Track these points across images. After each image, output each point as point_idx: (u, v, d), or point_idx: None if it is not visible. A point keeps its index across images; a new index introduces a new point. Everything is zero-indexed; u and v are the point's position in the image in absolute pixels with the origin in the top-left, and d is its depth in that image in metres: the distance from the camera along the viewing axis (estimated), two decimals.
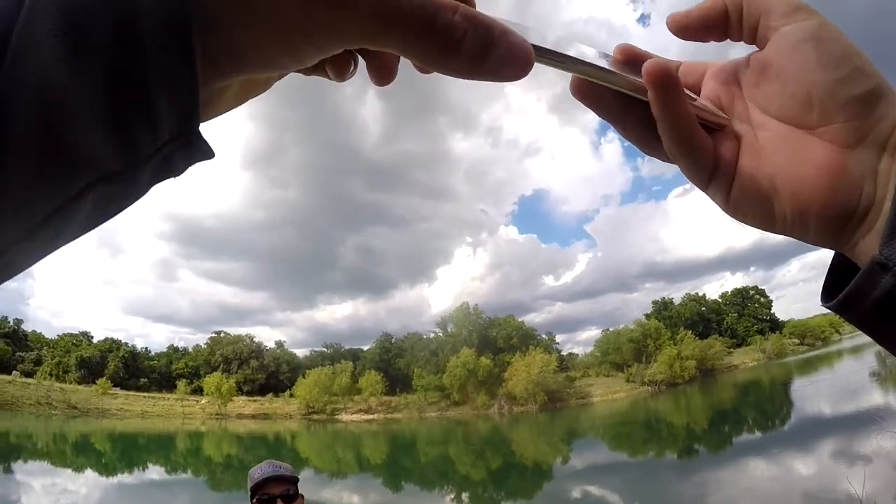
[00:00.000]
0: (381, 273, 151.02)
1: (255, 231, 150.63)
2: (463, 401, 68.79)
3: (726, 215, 0.42)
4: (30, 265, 0.32)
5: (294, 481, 2.69)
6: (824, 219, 0.39)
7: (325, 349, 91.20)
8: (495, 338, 75.46)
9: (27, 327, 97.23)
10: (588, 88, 0.43)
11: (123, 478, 25.36)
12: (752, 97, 0.44)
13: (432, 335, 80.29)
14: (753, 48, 0.43)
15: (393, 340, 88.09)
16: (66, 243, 0.32)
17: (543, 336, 79.63)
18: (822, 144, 0.39)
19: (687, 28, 0.44)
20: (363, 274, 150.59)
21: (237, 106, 0.39)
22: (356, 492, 19.30)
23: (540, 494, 18.98)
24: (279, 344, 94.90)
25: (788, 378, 49.06)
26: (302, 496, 2.73)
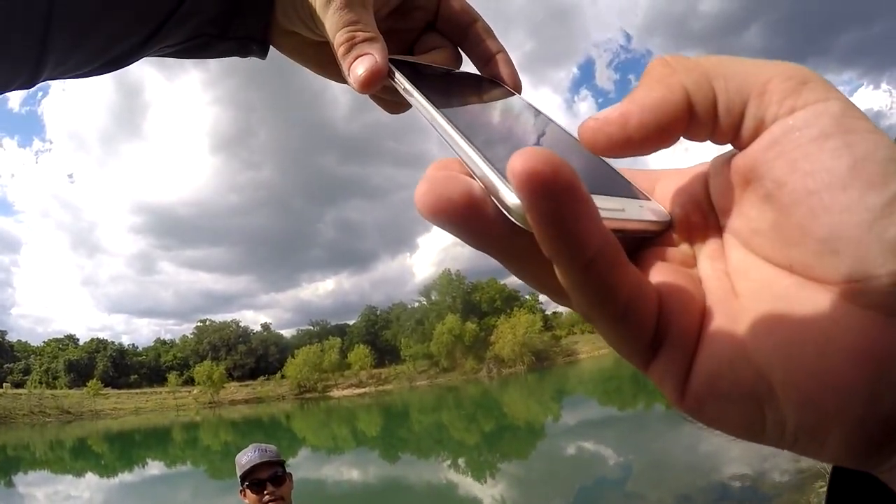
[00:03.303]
0: (362, 246, 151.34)
1: (231, 215, 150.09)
2: (452, 367, 69.95)
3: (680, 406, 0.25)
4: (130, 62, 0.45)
5: (281, 463, 2.77)
6: (857, 437, 0.20)
7: (311, 327, 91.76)
8: (479, 302, 76.37)
9: (12, 338, 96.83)
10: (444, 176, 0.24)
11: (124, 477, 25.69)
12: (731, 224, 0.25)
13: (417, 304, 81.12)
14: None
15: (378, 312, 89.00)
16: (158, 53, 0.45)
17: (527, 297, 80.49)
18: (853, 313, 0.20)
19: (626, 142, 0.24)
20: (344, 248, 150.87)
21: (290, 56, 0.49)
22: (354, 466, 19.68)
23: (534, 453, 19.51)
24: (265, 326, 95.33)
25: None
26: (290, 475, 2.81)
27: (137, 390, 78.66)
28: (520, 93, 0.43)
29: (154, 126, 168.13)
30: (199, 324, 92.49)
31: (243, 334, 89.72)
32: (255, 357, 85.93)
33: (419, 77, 0.39)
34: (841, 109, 0.21)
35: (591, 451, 18.69)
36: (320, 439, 31.64)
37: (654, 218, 0.27)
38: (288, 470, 2.82)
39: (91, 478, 25.69)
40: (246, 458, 2.73)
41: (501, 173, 0.24)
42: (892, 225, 0.19)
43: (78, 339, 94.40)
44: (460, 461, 18.32)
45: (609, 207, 0.25)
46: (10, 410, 62.87)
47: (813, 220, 0.21)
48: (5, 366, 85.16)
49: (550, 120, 0.37)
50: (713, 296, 0.25)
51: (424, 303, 79.73)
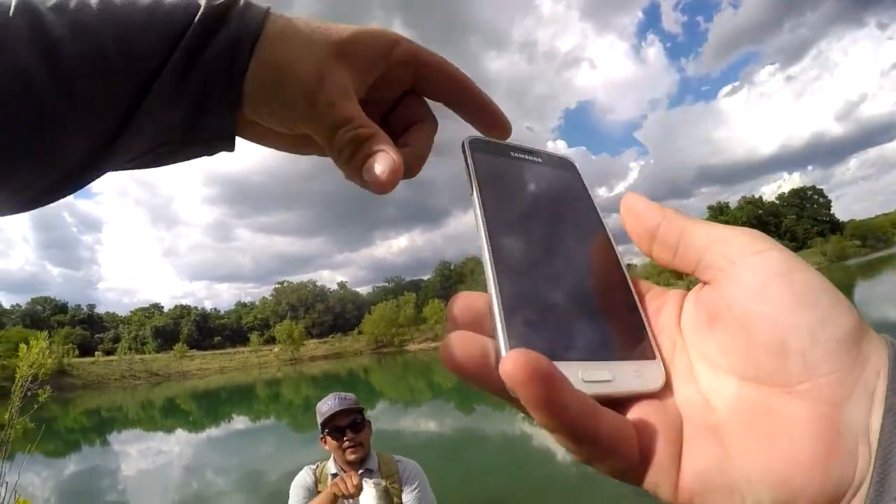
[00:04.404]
0: (433, 202, 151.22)
1: (302, 180, 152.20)
2: None
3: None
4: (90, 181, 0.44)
5: (360, 410, 2.79)
6: (819, 502, 0.27)
7: (386, 284, 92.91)
8: None
9: (100, 310, 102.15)
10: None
11: (211, 432, 26.09)
12: (700, 350, 0.33)
13: None
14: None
15: (452, 267, 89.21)
16: (116, 168, 0.45)
17: None
18: (806, 406, 0.27)
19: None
20: (416, 205, 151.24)
21: (255, 142, 0.49)
22: (431, 418, 19.19)
23: None
24: (342, 285, 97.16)
25: (851, 282, 46.72)
26: (369, 423, 2.83)
27: (221, 351, 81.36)
28: (507, 135, 0.48)
29: None
30: (277, 285, 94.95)
31: (320, 293, 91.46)
32: (333, 315, 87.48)
33: (485, 163, 0.41)
34: (786, 256, 0.30)
35: None
36: (397, 392, 31.55)
37: (643, 388, 0.32)
38: (367, 418, 2.82)
39: (180, 434, 26.17)
40: (326, 405, 2.78)
41: (506, 340, 0.30)
42: (825, 332, 0.27)
43: (163, 307, 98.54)
44: None
45: (596, 379, 0.31)
46: (102, 376, 65.89)
47: (770, 338, 0.28)
48: (96, 336, 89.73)
49: (600, 225, 0.41)
50: (691, 413, 0.30)
51: None
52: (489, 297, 0.32)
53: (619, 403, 0.32)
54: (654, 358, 0.34)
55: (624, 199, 0.37)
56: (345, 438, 2.73)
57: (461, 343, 0.30)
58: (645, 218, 0.36)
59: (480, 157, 0.41)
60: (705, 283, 0.33)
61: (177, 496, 12.17)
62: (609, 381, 0.31)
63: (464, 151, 0.41)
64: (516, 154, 0.43)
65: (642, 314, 0.36)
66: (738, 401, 0.29)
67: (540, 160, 0.44)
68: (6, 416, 3.75)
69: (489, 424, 16.49)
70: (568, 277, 0.37)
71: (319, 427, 2.78)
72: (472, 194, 0.38)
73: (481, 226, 0.36)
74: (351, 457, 2.73)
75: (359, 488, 2.41)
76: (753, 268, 0.30)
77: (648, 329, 0.35)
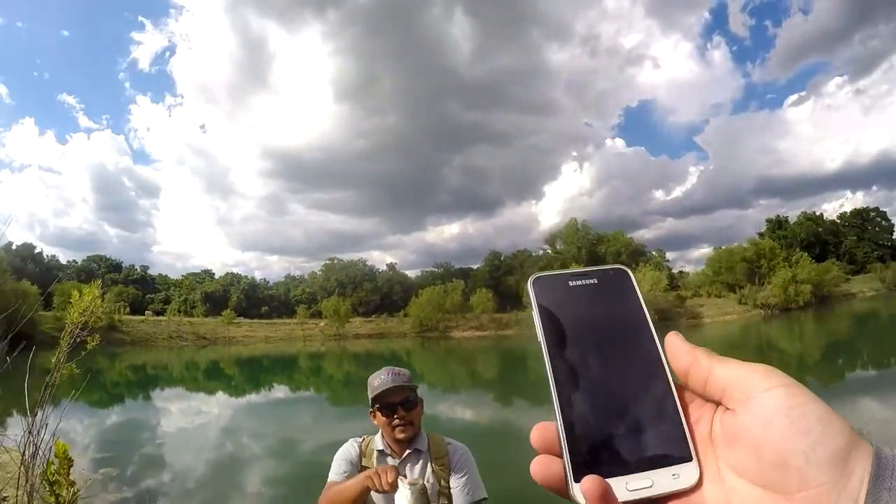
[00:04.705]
0: (487, 192, 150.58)
1: (358, 160, 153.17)
2: None
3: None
4: None
5: (413, 388, 2.72)
6: None
7: (435, 269, 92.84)
8: (604, 254, 74.29)
9: (153, 272, 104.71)
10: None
11: (251, 397, 26.57)
12: (725, 459, 0.43)
13: (541, 252, 79.67)
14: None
15: (502, 258, 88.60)
16: None
17: (653, 253, 77.88)
18: None
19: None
20: (470, 193, 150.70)
21: None
22: (468, 406, 19.20)
23: None
24: (391, 266, 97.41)
25: None
26: (421, 400, 2.76)
27: (268, 321, 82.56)
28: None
29: (279, 77, 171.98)
30: (327, 261, 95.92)
31: (369, 273, 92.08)
32: (380, 295, 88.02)
33: (546, 297, 0.49)
34: (790, 392, 0.41)
35: None
36: (438, 377, 31.70)
37: (679, 487, 0.43)
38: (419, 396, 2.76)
39: (221, 396, 26.80)
40: (378, 380, 2.69)
41: (570, 469, 0.43)
42: (816, 453, 0.38)
43: (214, 274, 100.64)
44: None
45: (638, 487, 0.42)
46: (150, 335, 67.60)
47: (775, 458, 0.39)
48: (147, 296, 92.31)
49: (650, 337, 0.48)
50: None
51: (549, 251, 78.17)
52: (556, 427, 0.44)
53: (656, 499, 0.43)
54: (690, 459, 0.43)
55: (667, 338, 0.48)
56: (395, 416, 2.66)
57: (541, 467, 0.44)
58: (681, 358, 0.46)
59: (542, 292, 0.49)
60: (727, 409, 0.43)
61: (211, 455, 12.46)
62: (650, 486, 0.42)
63: (529, 289, 0.49)
64: (573, 280, 0.50)
65: (684, 422, 0.45)
66: (753, 502, 0.40)
67: (595, 280, 0.50)
68: (53, 361, 3.79)
69: (525, 419, 16.34)
70: (620, 396, 0.45)
71: (370, 401, 2.71)
72: (535, 328, 0.48)
73: (545, 357, 0.47)
74: (400, 435, 2.68)
75: (394, 486, 2.22)
76: (763, 403, 0.41)
77: (689, 434, 0.44)
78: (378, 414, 2.69)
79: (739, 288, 68.15)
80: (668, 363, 0.47)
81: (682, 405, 0.45)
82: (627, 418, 0.44)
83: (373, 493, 2.50)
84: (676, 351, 0.46)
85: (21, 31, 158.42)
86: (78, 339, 3.87)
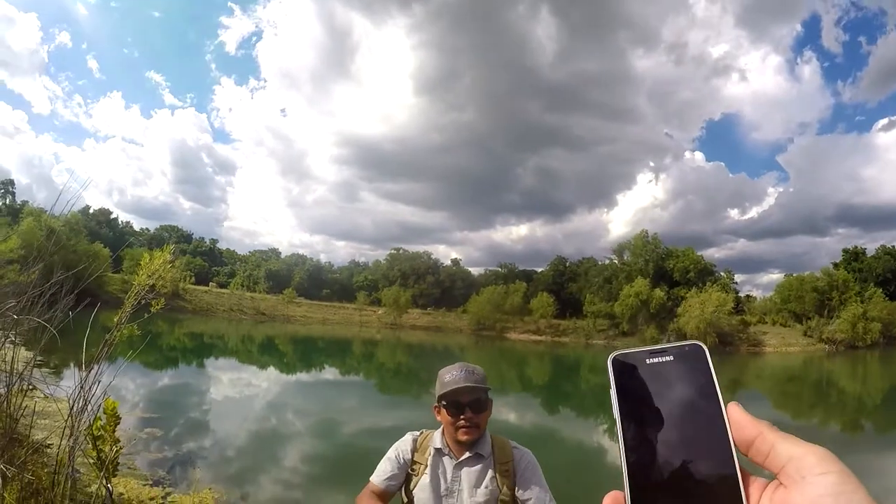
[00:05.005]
0: (559, 196, 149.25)
1: (433, 153, 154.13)
2: (631, 332, 67.15)
3: None
4: None
5: (486, 389, 2.57)
6: None
7: (499, 269, 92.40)
8: (672, 270, 72.14)
9: (221, 246, 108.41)
10: None
11: (301, 376, 26.99)
12: None
13: (607, 261, 78.40)
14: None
15: (567, 264, 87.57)
16: None
17: (722, 273, 75.04)
18: None
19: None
20: (541, 196, 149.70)
21: None
22: (514, 409, 18.98)
23: None
24: (455, 262, 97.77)
25: None
26: (491, 402, 2.62)
27: (328, 303, 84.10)
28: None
29: (360, 68, 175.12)
30: (392, 251, 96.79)
31: (433, 266, 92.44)
32: (441, 289, 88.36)
33: (623, 375, 0.54)
34: (841, 479, 0.44)
35: None
36: (488, 376, 30.86)
37: None
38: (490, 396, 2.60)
39: (272, 371, 27.36)
40: (450, 375, 2.56)
41: None
42: None
43: (280, 253, 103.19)
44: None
45: None
46: (212, 305, 69.87)
47: None
48: (213, 268, 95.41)
49: (719, 414, 0.51)
50: None
51: (616, 261, 76.68)
52: (623, 499, 0.49)
53: None
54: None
55: (729, 407, 0.51)
56: (462, 416, 2.53)
57: None
58: (745, 430, 0.50)
59: (620, 370, 0.54)
60: (781, 484, 0.47)
61: (253, 427, 12.73)
62: None
63: (609, 367, 0.53)
64: (650, 358, 0.54)
65: (743, 497, 0.48)
66: None
67: (671, 356, 0.54)
68: (115, 320, 3.90)
69: (569, 428, 16.19)
70: (685, 472, 0.49)
71: (436, 396, 2.58)
72: (612, 405, 0.52)
73: (619, 434, 0.51)
74: (463, 437, 2.55)
75: None
76: (814, 485, 0.44)
77: (741, 481, 0.49)
78: (443, 411, 2.56)
79: (807, 319, 65.24)
80: (732, 437, 0.50)
81: (743, 484, 0.49)
82: (692, 495, 0.48)
83: (418, 489, 2.54)
84: (741, 423, 0.50)
85: (114, 10, 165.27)
86: (143, 301, 3.92)
